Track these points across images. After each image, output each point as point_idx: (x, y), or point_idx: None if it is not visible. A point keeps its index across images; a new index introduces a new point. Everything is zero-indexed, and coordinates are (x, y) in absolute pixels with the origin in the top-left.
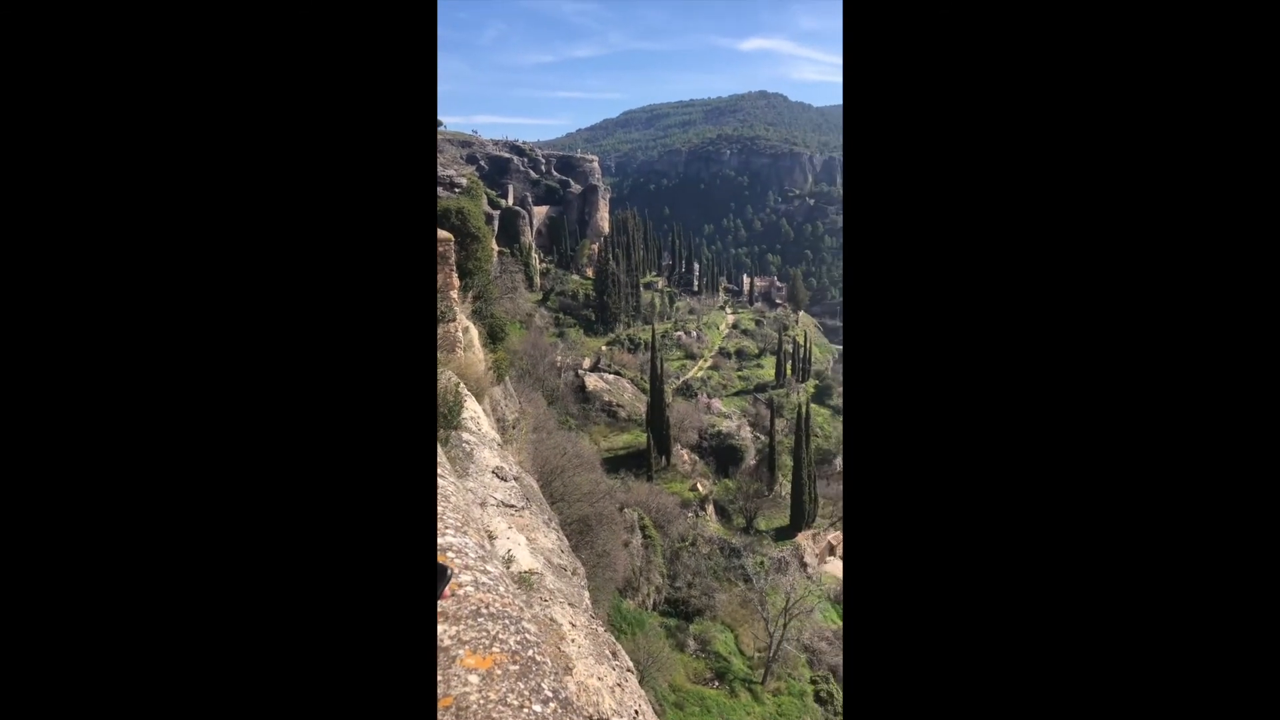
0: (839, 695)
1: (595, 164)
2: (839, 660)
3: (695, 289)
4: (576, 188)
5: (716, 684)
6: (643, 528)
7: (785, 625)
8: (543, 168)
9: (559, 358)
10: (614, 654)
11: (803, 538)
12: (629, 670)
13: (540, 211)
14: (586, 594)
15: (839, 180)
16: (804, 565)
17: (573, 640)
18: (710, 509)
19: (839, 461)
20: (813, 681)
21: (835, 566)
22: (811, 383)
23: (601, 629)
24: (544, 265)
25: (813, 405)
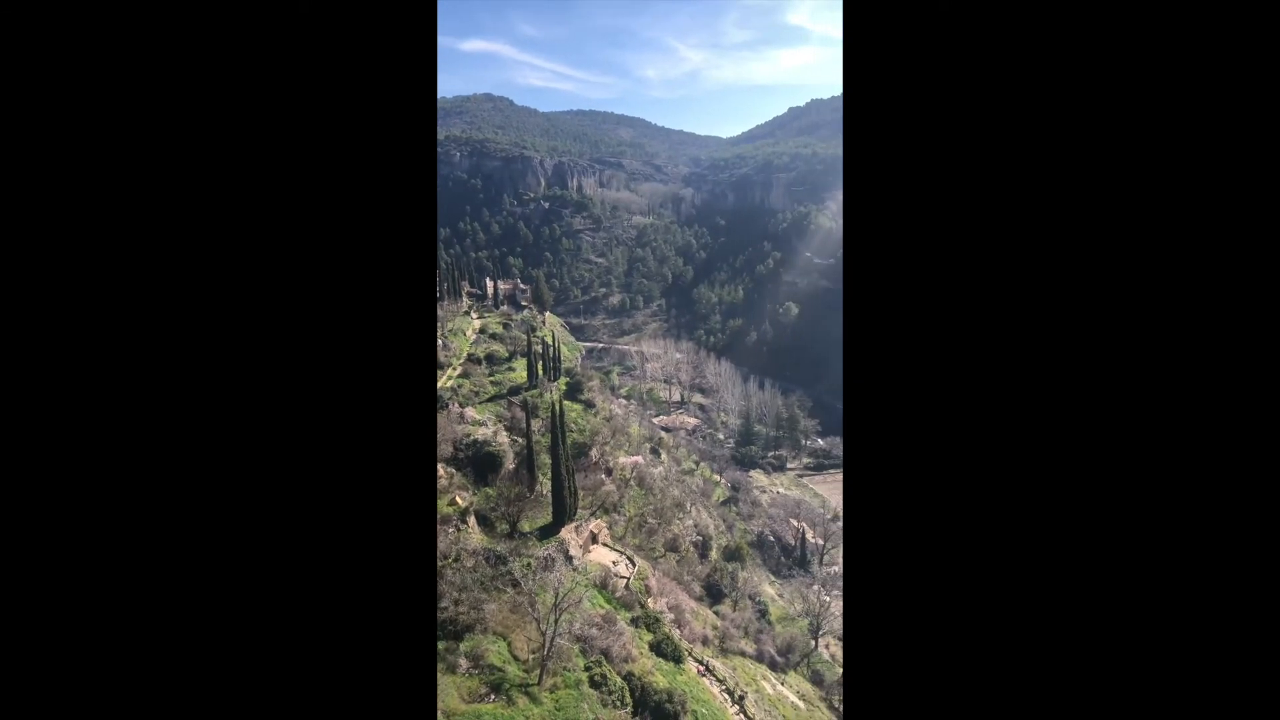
0: (612, 674)
1: None
2: (609, 643)
3: (437, 295)
4: None
5: (493, 698)
6: None
7: (556, 621)
8: None
9: None
10: None
11: (566, 532)
12: None
13: None
14: None
15: (570, 183)
16: (569, 558)
17: None
18: (472, 520)
19: (595, 453)
20: (587, 669)
21: (599, 554)
22: (563, 380)
23: None
24: None
25: (566, 402)
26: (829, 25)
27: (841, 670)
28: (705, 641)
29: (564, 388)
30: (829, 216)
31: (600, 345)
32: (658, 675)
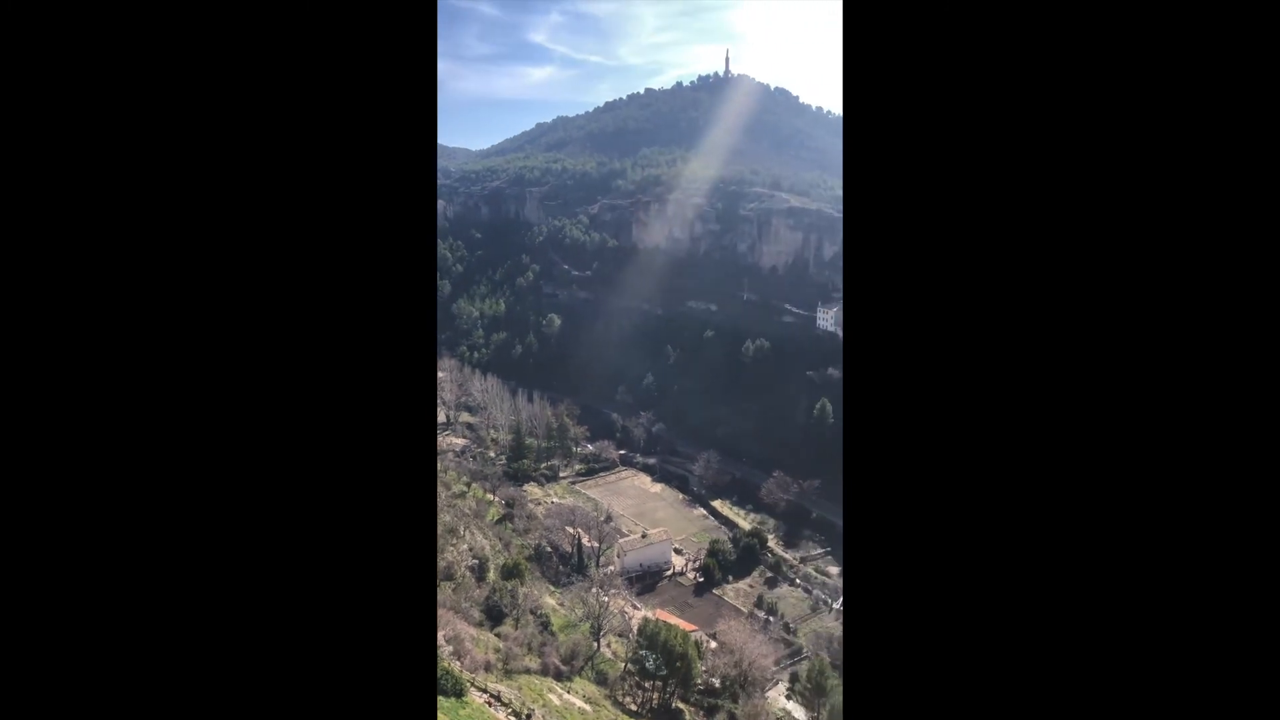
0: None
1: None
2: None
3: None
4: None
5: None
6: None
7: None
8: None
9: None
10: None
11: None
12: None
13: None
14: None
15: None
16: None
17: None
18: None
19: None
20: None
21: None
22: None
23: None
24: None
25: None
26: (567, 47)
27: (623, 665)
28: (488, 667)
29: None
30: (582, 230)
31: None
32: (439, 714)
